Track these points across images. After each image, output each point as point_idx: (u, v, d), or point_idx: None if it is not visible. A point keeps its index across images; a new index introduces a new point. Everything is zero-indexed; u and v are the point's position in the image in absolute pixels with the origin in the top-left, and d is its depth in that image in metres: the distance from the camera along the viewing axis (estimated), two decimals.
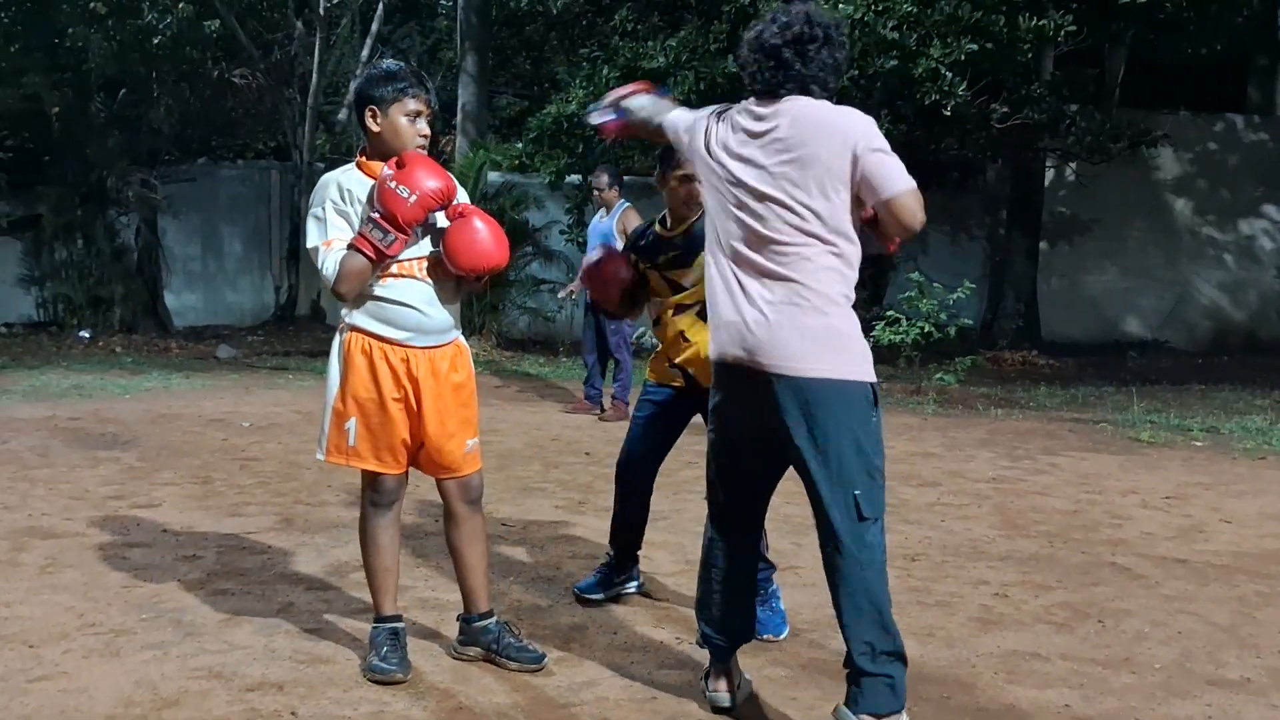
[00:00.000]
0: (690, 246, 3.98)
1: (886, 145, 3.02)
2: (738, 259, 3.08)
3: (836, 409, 2.98)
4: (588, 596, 4.26)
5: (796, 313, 2.99)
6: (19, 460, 6.72)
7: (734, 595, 3.30)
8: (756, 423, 3.10)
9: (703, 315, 3.92)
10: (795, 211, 3.00)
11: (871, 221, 3.11)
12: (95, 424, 8.05)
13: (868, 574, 2.99)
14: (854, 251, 3.06)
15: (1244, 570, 4.88)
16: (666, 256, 4.10)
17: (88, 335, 14.93)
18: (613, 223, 8.59)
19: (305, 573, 4.56)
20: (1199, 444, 8.11)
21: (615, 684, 3.49)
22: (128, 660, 3.59)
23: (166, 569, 4.59)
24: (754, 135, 3.08)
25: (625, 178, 9.74)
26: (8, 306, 16.21)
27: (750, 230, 3.05)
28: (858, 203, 3.03)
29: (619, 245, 4.20)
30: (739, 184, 3.08)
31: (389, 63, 3.54)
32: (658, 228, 4.20)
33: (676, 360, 4.09)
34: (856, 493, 2.98)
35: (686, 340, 4.04)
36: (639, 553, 4.36)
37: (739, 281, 3.08)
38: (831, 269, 3.02)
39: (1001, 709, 3.38)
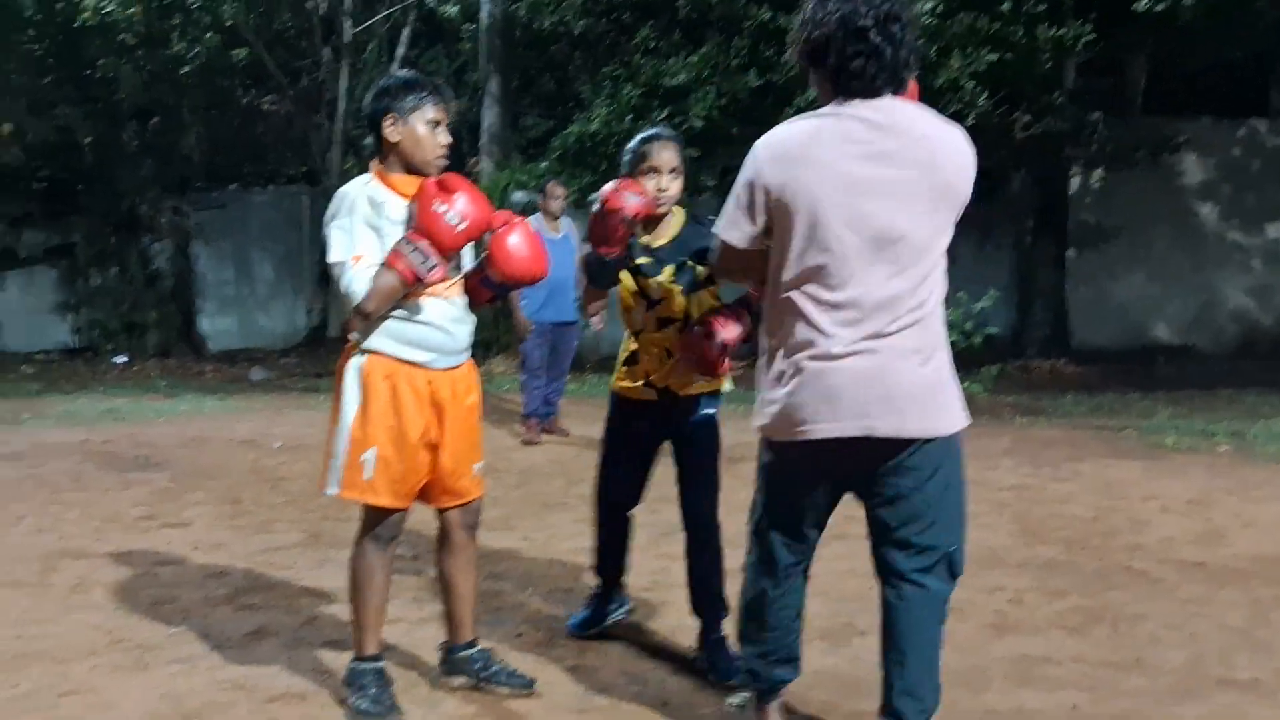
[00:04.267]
0: (663, 257, 3.67)
1: None
2: (829, 299, 2.69)
3: (945, 463, 2.78)
4: (581, 633, 4.06)
5: (916, 361, 2.72)
6: (52, 484, 6.84)
7: (797, 628, 3.09)
8: (839, 480, 2.85)
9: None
10: (923, 243, 2.69)
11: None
12: (128, 447, 8.18)
13: (938, 631, 2.87)
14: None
15: (1261, 574, 4.88)
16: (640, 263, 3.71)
17: (124, 360, 15.15)
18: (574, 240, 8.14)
19: (330, 587, 4.62)
20: (1223, 449, 8.08)
21: (629, 691, 3.56)
22: (154, 674, 3.68)
23: (195, 585, 4.70)
24: (874, 148, 2.68)
25: None
26: (44, 334, 16.51)
27: (863, 264, 2.66)
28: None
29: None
30: (857, 207, 2.66)
31: (404, 72, 3.41)
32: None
33: (652, 378, 3.75)
34: (953, 549, 2.82)
35: (671, 355, 3.69)
36: (625, 578, 4.13)
37: (831, 329, 2.69)
38: (938, 309, 2.76)
39: (1009, 711, 3.42)
